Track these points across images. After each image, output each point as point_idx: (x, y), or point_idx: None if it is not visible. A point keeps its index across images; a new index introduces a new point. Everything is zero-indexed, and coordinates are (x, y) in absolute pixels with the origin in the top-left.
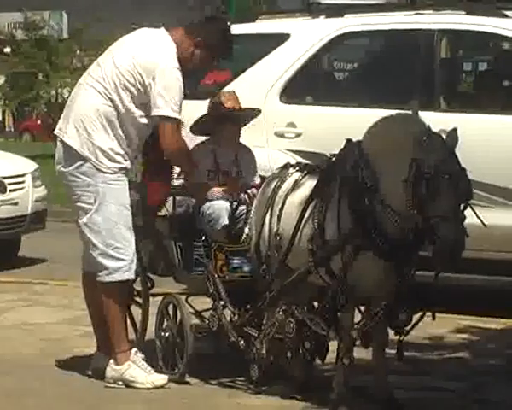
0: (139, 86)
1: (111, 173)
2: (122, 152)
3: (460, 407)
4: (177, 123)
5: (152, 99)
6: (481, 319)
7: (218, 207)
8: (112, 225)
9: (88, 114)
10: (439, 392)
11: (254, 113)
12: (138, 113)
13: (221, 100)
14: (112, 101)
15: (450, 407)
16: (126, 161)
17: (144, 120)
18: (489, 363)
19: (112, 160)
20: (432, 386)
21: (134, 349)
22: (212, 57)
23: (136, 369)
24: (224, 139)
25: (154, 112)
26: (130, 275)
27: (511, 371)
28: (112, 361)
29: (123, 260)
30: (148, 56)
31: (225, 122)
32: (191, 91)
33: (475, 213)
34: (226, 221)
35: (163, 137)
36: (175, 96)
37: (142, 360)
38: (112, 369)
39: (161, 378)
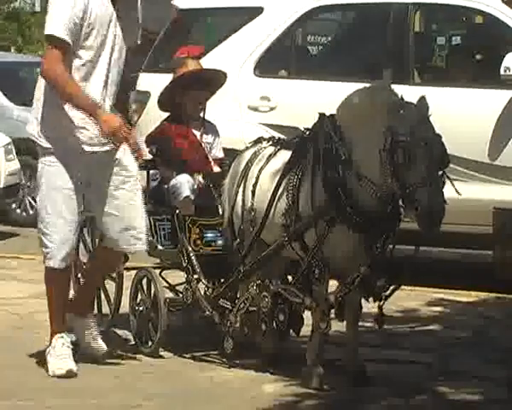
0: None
1: (47, 155)
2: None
3: (427, 378)
4: (60, 44)
5: None
6: (453, 292)
7: (180, 179)
8: (41, 207)
9: (36, 95)
10: (407, 364)
11: (219, 75)
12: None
13: (185, 65)
14: None
15: (417, 378)
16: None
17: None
18: (457, 335)
19: (49, 140)
20: (400, 358)
21: (58, 335)
22: None
23: (51, 354)
24: (190, 106)
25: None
26: (53, 263)
27: (477, 342)
28: None
29: (46, 246)
30: None
31: (190, 86)
32: (164, 65)
33: (451, 181)
34: (187, 193)
35: (43, 58)
36: (60, 12)
37: (64, 344)
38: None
39: (65, 368)
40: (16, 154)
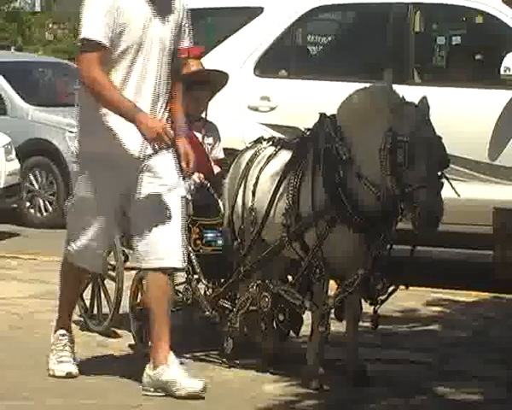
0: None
1: (82, 168)
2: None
3: (427, 378)
4: (96, 47)
5: None
6: (452, 292)
7: None
8: (70, 214)
9: (76, 110)
10: (407, 364)
11: (221, 76)
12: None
13: (186, 65)
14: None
15: (418, 378)
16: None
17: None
18: (457, 335)
19: (85, 154)
20: (400, 358)
21: (61, 331)
22: None
23: (52, 352)
24: (191, 106)
25: None
26: (77, 262)
27: (477, 342)
28: None
29: (70, 245)
30: None
31: (192, 86)
32: None
33: (450, 183)
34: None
35: (79, 63)
36: (93, 14)
37: (66, 345)
38: None
39: (65, 370)
40: (30, 154)
